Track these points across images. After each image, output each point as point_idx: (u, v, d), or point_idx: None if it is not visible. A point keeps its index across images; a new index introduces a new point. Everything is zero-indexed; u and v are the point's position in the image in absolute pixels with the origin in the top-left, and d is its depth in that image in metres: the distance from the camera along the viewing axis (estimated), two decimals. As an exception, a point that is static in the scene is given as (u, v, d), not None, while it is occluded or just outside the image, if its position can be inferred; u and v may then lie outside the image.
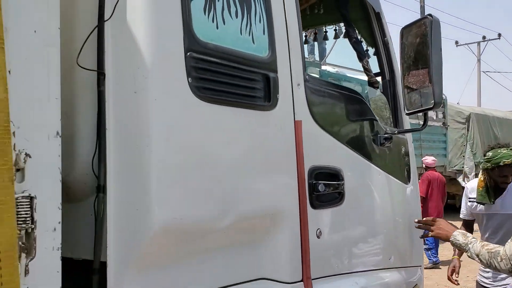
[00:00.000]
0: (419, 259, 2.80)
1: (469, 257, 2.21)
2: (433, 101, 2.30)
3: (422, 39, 2.37)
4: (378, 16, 2.70)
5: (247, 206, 1.64)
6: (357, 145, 2.25)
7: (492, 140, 12.30)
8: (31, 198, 0.98)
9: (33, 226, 0.99)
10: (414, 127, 2.87)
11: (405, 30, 2.51)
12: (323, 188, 1.92)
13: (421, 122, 2.50)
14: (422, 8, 2.78)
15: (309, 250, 1.87)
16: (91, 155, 1.33)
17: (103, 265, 1.32)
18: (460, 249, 2.32)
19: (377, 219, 2.37)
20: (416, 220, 2.47)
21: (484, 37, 25.28)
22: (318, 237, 1.94)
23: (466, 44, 25.51)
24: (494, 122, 12.93)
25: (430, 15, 2.37)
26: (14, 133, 0.94)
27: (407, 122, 2.81)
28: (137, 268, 1.36)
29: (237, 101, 1.61)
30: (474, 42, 25.68)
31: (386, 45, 2.75)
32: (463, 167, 11.71)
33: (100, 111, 1.32)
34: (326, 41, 4.63)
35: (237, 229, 1.63)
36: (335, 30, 3.09)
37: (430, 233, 2.38)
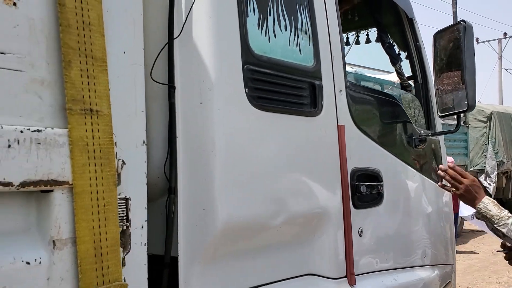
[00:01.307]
0: (451, 257, 2.90)
1: (497, 234, 1.93)
2: (466, 103, 2.40)
3: (455, 44, 2.47)
4: (411, 21, 2.81)
5: (297, 206, 1.78)
6: (393, 147, 2.37)
7: None
8: (127, 200, 1.14)
9: (128, 224, 1.14)
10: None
11: (438, 35, 2.61)
12: (365, 189, 2.05)
13: (447, 123, 2.61)
14: (455, 13, 2.89)
15: (352, 247, 2.00)
16: (163, 160, 1.48)
17: (173, 259, 1.48)
18: (488, 221, 1.96)
19: (413, 218, 2.49)
20: (442, 169, 2.10)
21: (505, 34, 24.96)
22: (360, 235, 2.07)
23: (487, 41, 25.21)
24: (517, 121, 12.88)
25: (463, 20, 2.48)
26: (116, 143, 1.10)
27: (439, 124, 2.92)
28: (203, 262, 1.51)
29: (287, 109, 1.75)
30: (495, 39, 25.37)
31: (418, 50, 2.86)
32: (484, 166, 11.64)
33: (171, 121, 1.47)
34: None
35: (288, 227, 1.77)
36: (367, 34, 3.20)
37: (455, 191, 2.05)
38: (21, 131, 0.94)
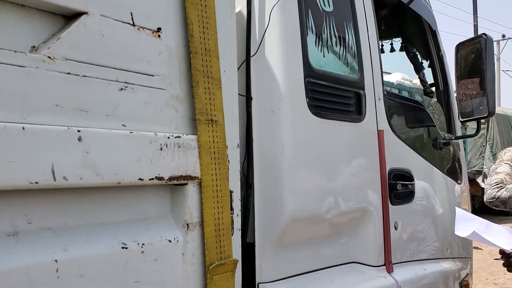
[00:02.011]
0: (469, 251, 3.22)
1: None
2: (487, 110, 2.71)
3: (477, 55, 2.78)
4: (434, 33, 3.12)
5: (346, 202, 2.08)
6: (421, 149, 2.68)
7: None
8: (231, 192, 1.43)
9: (232, 212, 1.44)
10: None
11: (461, 46, 2.92)
12: (401, 187, 2.36)
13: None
14: (476, 26, 3.14)
15: (390, 239, 2.30)
16: (241, 160, 1.78)
17: (249, 245, 1.77)
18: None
19: (437, 214, 2.80)
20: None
21: (503, 36, 25.31)
22: (395, 229, 2.38)
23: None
24: (515, 122, 13.11)
25: (485, 34, 2.80)
26: (227, 146, 1.39)
27: (459, 128, 3.23)
28: (273, 248, 1.81)
29: (338, 115, 2.05)
30: (493, 41, 25.66)
31: (440, 59, 3.17)
32: (482, 167, 11.93)
33: (248, 127, 1.77)
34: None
35: (338, 220, 2.07)
36: (391, 44, 3.51)
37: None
38: (168, 137, 1.24)
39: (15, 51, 0.99)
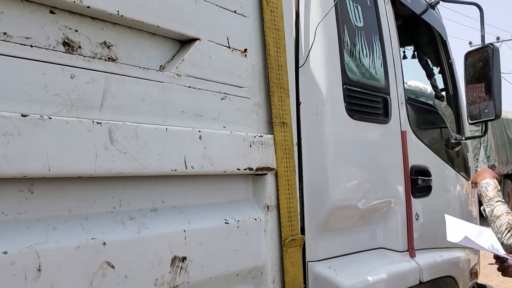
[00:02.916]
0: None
1: (481, 211, 2.26)
2: (494, 113, 3.11)
3: (484, 62, 3.18)
4: (444, 42, 3.53)
5: (376, 194, 2.46)
6: (436, 148, 3.07)
7: (506, 143, 12.91)
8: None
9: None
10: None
11: (469, 54, 3.33)
12: (421, 182, 2.74)
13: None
14: (483, 37, 3.46)
15: (412, 228, 2.69)
16: (292, 157, 2.14)
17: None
18: (481, 198, 2.33)
19: (450, 207, 3.19)
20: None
21: (498, 38, 25.78)
22: (416, 219, 2.76)
23: (479, 45, 25.85)
24: (508, 125, 13.32)
25: (492, 44, 3.21)
26: (295, 144, 1.77)
27: (467, 129, 3.64)
28: (319, 232, 2.18)
29: (370, 118, 2.43)
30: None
31: (450, 66, 3.58)
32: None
33: (298, 128, 2.14)
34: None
35: (369, 211, 2.45)
36: (403, 52, 3.91)
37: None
38: (254, 136, 1.61)
39: (157, 70, 1.36)
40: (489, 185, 2.32)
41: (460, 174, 3.39)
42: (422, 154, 2.90)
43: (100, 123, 1.18)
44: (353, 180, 2.32)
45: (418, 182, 2.75)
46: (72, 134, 1.12)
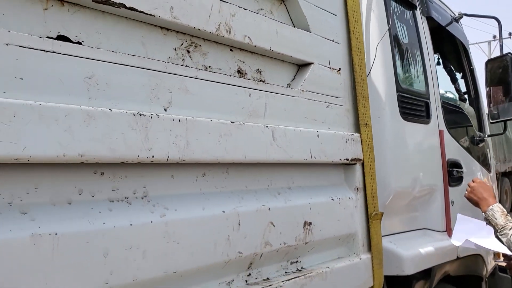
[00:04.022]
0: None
1: (499, 240, 2.25)
2: (513, 113, 3.71)
3: (504, 69, 3.80)
4: (466, 51, 4.15)
5: (423, 182, 3.06)
6: (464, 144, 3.68)
7: (503, 142, 13.60)
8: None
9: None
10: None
11: (490, 62, 3.95)
12: (456, 173, 3.35)
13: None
14: (501, 46, 3.96)
15: (450, 212, 3.29)
16: (359, 152, 2.74)
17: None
18: (492, 226, 2.32)
19: (477, 196, 3.79)
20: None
21: (494, 36, 26.44)
22: (452, 205, 3.36)
23: (476, 43, 26.45)
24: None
25: (510, 53, 3.82)
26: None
27: (488, 128, 4.25)
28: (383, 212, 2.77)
29: (416, 119, 3.04)
30: (484, 41, 26.64)
31: (472, 72, 4.20)
32: None
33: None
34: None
35: (417, 196, 3.05)
36: (429, 58, 4.50)
37: (465, 194, 2.59)
38: (349, 135, 2.20)
39: (291, 88, 1.95)
40: (496, 212, 2.30)
41: (485, 167, 4.00)
42: (454, 149, 3.51)
43: (268, 126, 1.77)
44: (406, 170, 2.92)
45: (453, 173, 3.36)
46: (253, 134, 1.71)
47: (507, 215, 2.29)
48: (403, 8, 3.18)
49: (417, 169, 3.03)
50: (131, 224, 1.34)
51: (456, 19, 4.04)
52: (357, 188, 2.27)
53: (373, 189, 2.34)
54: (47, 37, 1.24)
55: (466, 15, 4.09)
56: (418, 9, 3.34)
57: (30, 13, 1.23)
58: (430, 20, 3.60)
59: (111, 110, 1.29)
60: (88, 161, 1.23)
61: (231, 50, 1.77)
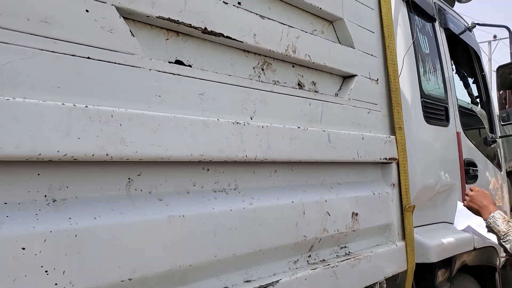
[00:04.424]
0: None
1: (503, 247, 2.32)
2: (522, 116, 4.09)
3: (513, 75, 4.16)
4: (478, 58, 4.52)
5: (444, 179, 3.42)
6: (479, 145, 4.05)
7: (504, 141, 13.95)
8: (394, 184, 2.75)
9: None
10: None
11: (500, 69, 4.32)
12: (472, 171, 3.71)
13: None
14: (511, 54, 4.27)
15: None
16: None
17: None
18: (495, 234, 2.35)
19: (491, 192, 4.15)
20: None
21: (495, 36, 26.68)
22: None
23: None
24: (507, 123, 14.58)
25: (520, 60, 4.19)
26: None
27: (499, 129, 4.62)
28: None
29: (438, 122, 3.40)
30: (485, 41, 26.96)
31: (483, 77, 4.58)
32: None
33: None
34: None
35: (438, 192, 3.40)
36: (443, 64, 4.86)
37: (464, 202, 2.66)
38: (386, 137, 2.56)
39: (340, 97, 2.31)
40: (497, 219, 2.35)
41: (496, 166, 4.37)
42: (469, 150, 3.87)
43: (324, 130, 2.12)
44: (429, 169, 3.28)
45: (469, 172, 3.72)
46: (314, 137, 2.07)
47: (508, 221, 2.33)
48: (424, 21, 3.54)
49: (438, 168, 3.39)
50: (230, 210, 1.69)
51: (469, 29, 4.41)
52: (393, 184, 2.63)
53: (406, 185, 2.69)
54: (169, 62, 1.59)
55: (479, 24, 4.46)
56: (437, 21, 3.71)
57: (157, 43, 1.59)
58: (447, 31, 3.96)
59: (218, 119, 1.64)
60: (205, 159, 1.58)
61: (293, 66, 2.13)
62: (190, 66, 1.66)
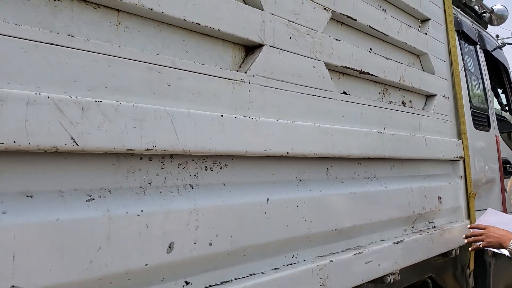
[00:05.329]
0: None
1: None
2: (547, 122, 5.04)
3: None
4: (507, 71, 5.47)
5: (488, 174, 4.35)
6: (510, 145, 4.99)
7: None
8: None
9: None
10: None
11: (527, 80, 5.25)
12: (508, 168, 4.65)
13: None
14: None
15: (505, 198, 4.59)
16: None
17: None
18: None
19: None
20: (464, 236, 3.18)
21: (497, 36, 27.80)
22: (506, 192, 4.66)
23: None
24: (511, 125, 15.65)
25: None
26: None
27: (525, 132, 5.57)
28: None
29: (482, 128, 4.33)
30: None
31: (511, 88, 5.52)
32: None
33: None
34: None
35: (483, 184, 4.33)
36: (474, 77, 5.82)
37: (481, 244, 2.96)
38: (456, 141, 3.49)
39: (427, 111, 3.23)
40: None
41: (523, 164, 5.32)
42: (505, 150, 4.81)
43: (423, 136, 3.04)
44: (479, 165, 4.21)
45: (506, 168, 4.66)
46: (418, 141, 2.98)
47: None
48: (469, 45, 4.48)
49: (484, 165, 4.32)
50: (376, 191, 2.60)
51: (500, 47, 5.36)
52: (461, 176, 3.55)
53: (469, 177, 3.62)
54: (341, 93, 2.50)
55: (508, 43, 5.41)
56: (478, 44, 4.64)
57: (335, 82, 2.49)
58: (485, 51, 4.91)
59: (371, 130, 2.56)
60: (361, 156, 2.50)
61: (399, 90, 3.05)
62: (349, 95, 2.58)
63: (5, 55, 1.25)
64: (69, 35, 1.37)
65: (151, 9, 1.59)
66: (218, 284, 1.78)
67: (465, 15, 4.65)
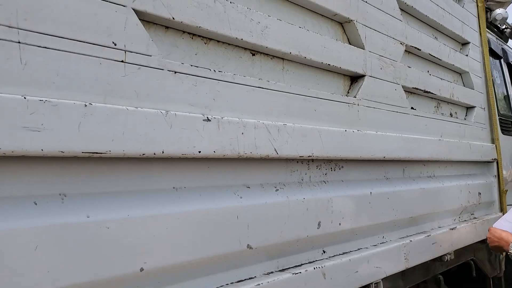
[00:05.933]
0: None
1: None
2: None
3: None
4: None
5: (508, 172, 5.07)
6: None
7: None
8: (497, 163, 4.40)
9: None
10: None
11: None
12: (529, 167, 5.38)
13: None
14: None
15: (527, 193, 5.31)
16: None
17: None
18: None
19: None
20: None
21: None
22: (527, 189, 5.39)
23: None
24: None
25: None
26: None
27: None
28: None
29: (508, 132, 5.06)
30: None
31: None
32: None
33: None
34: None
35: (509, 182, 5.05)
36: (495, 85, 6.55)
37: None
38: (491, 145, 4.20)
39: (467, 121, 3.95)
40: None
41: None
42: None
43: (468, 142, 3.75)
44: (506, 165, 4.92)
45: (527, 168, 5.38)
46: (463, 146, 3.69)
47: None
48: (495, 60, 5.19)
49: (510, 163, 5.03)
50: (417, 188, 3.30)
51: (519, 58, 6.09)
52: (495, 175, 4.27)
53: (501, 176, 4.33)
54: (410, 108, 3.20)
55: (526, 56, 6.13)
56: (502, 58, 5.36)
57: (406, 101, 3.20)
58: (507, 64, 5.63)
59: (432, 139, 3.26)
60: (401, 158, 3.21)
61: (448, 104, 3.75)
62: (415, 109, 3.28)
63: (234, 97, 1.94)
64: (267, 80, 2.08)
65: (305, 57, 2.30)
66: (341, 254, 2.48)
67: (490, 32, 5.37)
